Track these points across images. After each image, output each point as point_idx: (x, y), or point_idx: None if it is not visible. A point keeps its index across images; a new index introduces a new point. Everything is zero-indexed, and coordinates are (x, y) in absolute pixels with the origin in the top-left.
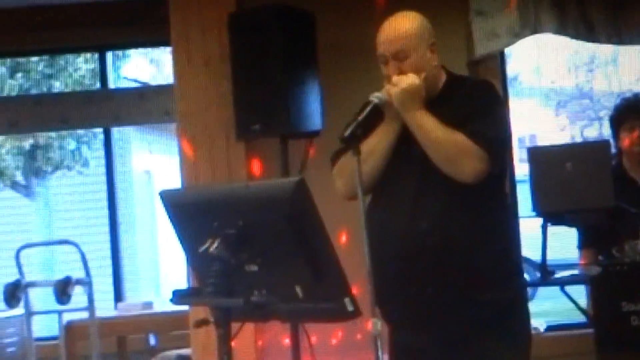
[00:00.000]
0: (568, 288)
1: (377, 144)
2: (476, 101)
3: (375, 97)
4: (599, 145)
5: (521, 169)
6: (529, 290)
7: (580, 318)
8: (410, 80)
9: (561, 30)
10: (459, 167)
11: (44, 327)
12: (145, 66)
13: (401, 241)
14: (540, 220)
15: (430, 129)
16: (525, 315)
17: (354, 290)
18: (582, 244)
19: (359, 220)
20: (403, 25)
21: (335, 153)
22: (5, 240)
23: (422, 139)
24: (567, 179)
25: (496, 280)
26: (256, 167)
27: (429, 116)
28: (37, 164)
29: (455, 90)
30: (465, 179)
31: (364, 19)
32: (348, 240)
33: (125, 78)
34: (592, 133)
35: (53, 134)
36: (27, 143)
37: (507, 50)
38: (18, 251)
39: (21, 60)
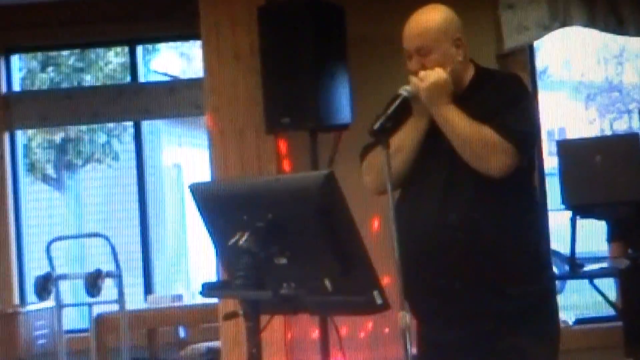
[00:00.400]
0: (597, 281)
1: (405, 139)
2: (504, 95)
3: (404, 90)
4: (629, 138)
5: (550, 162)
6: (558, 283)
7: (609, 311)
8: (437, 74)
9: (590, 23)
10: (487, 161)
11: (75, 319)
12: (175, 60)
13: (430, 235)
14: (569, 214)
15: (458, 124)
16: (554, 309)
17: (385, 281)
18: (611, 237)
19: (388, 214)
20: (426, 20)
21: (364, 148)
22: (36, 233)
23: (450, 134)
24: (597, 171)
25: (525, 273)
26: (285, 160)
27: (456, 111)
28: (68, 158)
29: (483, 84)
30: (493, 174)
31: (393, 11)
32: (380, 227)
33: (155, 72)
34: (621, 126)
35: (84, 128)
36: (58, 136)
37: (536, 43)
38: (49, 244)
39: (52, 54)
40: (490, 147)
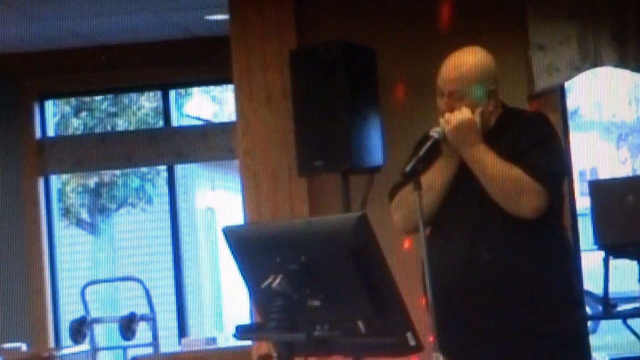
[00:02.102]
0: (630, 321)
1: (436, 179)
2: (532, 135)
3: (435, 131)
4: None
5: (582, 202)
6: (591, 323)
7: None
8: (462, 115)
9: (621, 63)
10: (517, 202)
11: None
12: (208, 104)
13: (462, 275)
14: (602, 254)
15: (488, 165)
16: (586, 348)
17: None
18: None
19: (420, 255)
20: (466, 64)
21: (393, 187)
22: (70, 277)
23: (479, 174)
24: (629, 211)
25: (557, 312)
26: (318, 202)
27: (486, 151)
28: (102, 202)
29: (510, 123)
30: (524, 215)
31: (424, 54)
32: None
33: (188, 116)
34: None
35: (117, 172)
36: (92, 181)
37: (567, 84)
38: (83, 288)
39: (86, 99)
40: (521, 189)
